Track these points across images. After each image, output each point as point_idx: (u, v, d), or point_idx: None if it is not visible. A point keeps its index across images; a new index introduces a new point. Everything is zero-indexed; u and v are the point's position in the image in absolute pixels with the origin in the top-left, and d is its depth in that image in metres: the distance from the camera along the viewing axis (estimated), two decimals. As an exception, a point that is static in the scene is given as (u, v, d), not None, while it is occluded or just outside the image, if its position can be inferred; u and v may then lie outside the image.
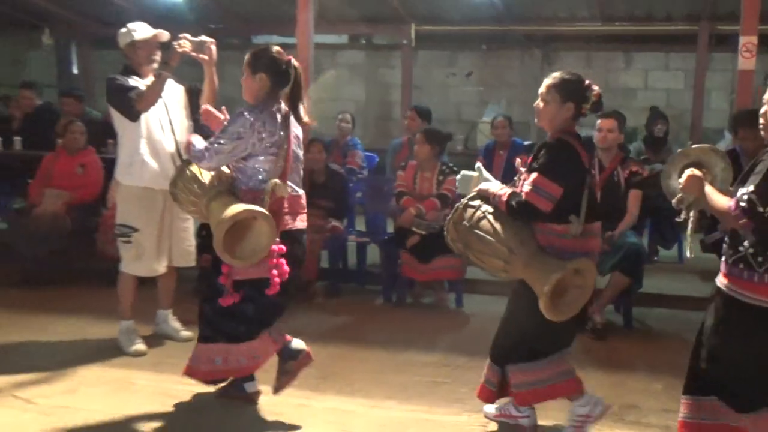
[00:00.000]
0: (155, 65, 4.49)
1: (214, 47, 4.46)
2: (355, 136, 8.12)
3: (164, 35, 4.51)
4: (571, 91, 3.33)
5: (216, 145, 3.53)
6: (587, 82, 3.36)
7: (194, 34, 4.47)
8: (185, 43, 4.38)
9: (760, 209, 2.63)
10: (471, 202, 3.41)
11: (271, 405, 3.86)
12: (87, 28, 10.62)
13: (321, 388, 4.05)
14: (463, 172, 3.65)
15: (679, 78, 10.71)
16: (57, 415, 3.70)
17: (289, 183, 3.62)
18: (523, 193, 3.23)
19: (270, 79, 3.63)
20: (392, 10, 9.04)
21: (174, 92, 4.67)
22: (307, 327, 5.21)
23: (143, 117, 4.42)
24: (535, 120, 3.47)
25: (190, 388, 4.04)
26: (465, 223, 3.36)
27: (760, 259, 2.75)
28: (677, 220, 3.00)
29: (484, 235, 3.29)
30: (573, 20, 9.24)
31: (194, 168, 3.80)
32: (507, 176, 7.04)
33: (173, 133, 4.60)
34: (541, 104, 3.38)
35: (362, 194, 7.29)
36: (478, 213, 3.34)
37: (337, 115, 8.11)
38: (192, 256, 4.87)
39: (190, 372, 3.81)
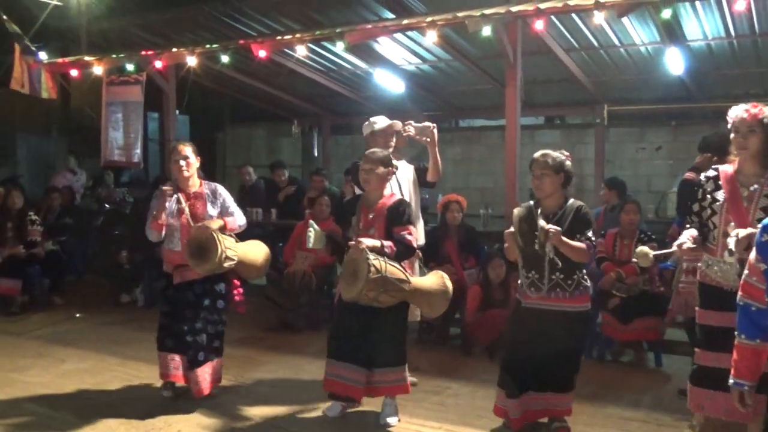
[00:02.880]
0: (391, 149, 4.68)
1: (435, 131, 4.59)
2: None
3: (398, 125, 4.69)
4: (390, 162, 4.17)
5: (239, 211, 4.65)
6: None
7: (416, 120, 4.64)
8: (410, 129, 4.56)
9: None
10: (370, 258, 3.78)
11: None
12: (326, 119, 11.38)
13: (534, 436, 3.93)
14: (309, 230, 4.29)
15: None
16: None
17: None
18: (407, 241, 4.03)
19: None
20: (588, 94, 8.89)
21: (405, 171, 4.83)
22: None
23: (381, 193, 4.61)
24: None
25: (417, 427, 4.08)
26: (379, 274, 3.77)
27: (585, 278, 3.79)
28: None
29: (395, 276, 3.85)
30: (765, 95, 8.53)
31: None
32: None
33: (404, 206, 4.75)
34: (372, 174, 4.09)
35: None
36: (381, 262, 3.81)
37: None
38: (417, 312, 4.93)
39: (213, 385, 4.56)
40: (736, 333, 2.51)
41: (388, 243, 3.98)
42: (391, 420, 4.16)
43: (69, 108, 13.33)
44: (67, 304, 7.56)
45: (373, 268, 3.74)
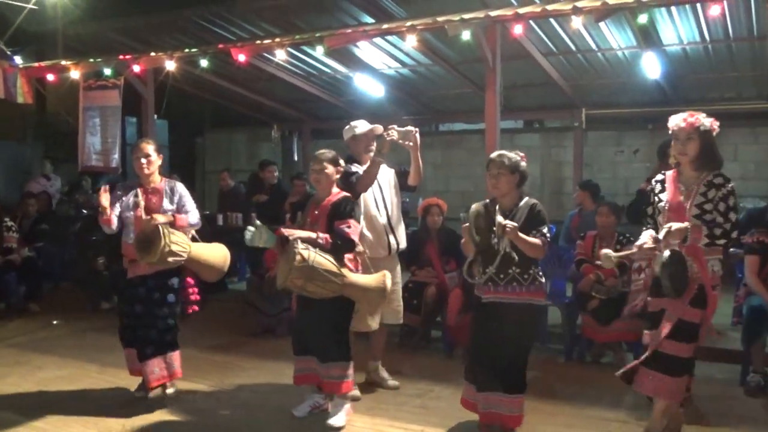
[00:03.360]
0: (371, 153, 4.70)
1: (418, 135, 4.61)
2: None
3: (379, 129, 4.71)
4: (338, 162, 4.29)
5: (195, 210, 4.64)
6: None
7: (398, 125, 4.66)
8: (393, 133, 4.57)
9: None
10: (300, 248, 3.87)
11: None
12: (306, 123, 11.39)
13: (517, 437, 3.94)
14: (248, 227, 4.21)
15: None
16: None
17: None
18: (345, 233, 4.07)
19: None
20: (566, 97, 8.99)
21: (386, 174, 4.84)
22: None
23: (362, 196, 4.62)
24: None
25: (399, 430, 4.09)
26: (305, 263, 3.85)
27: (540, 273, 3.89)
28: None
29: (324, 267, 3.90)
30: (739, 99, 8.70)
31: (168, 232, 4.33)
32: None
33: (386, 209, 4.76)
34: (322, 174, 4.22)
35: (544, 262, 7.14)
36: (310, 253, 3.89)
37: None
38: (400, 315, 4.96)
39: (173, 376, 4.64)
40: None
41: (323, 235, 4.06)
42: (336, 421, 4.17)
43: (45, 113, 13.19)
44: (44, 311, 7.47)
45: (299, 257, 3.85)
